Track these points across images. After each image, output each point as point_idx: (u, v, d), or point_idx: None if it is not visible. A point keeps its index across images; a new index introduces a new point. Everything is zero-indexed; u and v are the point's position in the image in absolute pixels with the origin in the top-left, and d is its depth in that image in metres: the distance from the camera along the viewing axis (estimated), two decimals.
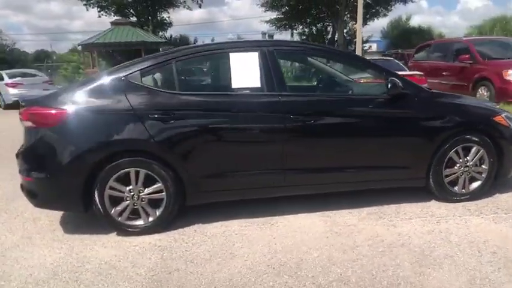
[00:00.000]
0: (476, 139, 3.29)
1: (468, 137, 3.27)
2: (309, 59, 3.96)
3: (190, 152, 2.95)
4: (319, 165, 3.17)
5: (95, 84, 2.98)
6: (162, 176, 2.94)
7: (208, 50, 3.38)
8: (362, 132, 3.21)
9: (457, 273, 2.33)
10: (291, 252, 2.65)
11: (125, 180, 2.93)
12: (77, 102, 2.90)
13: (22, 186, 3.08)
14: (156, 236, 2.96)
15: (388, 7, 27.33)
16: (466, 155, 3.32)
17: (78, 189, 2.88)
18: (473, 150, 3.31)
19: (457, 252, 2.56)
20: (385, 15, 27.96)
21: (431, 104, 3.28)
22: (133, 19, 23.51)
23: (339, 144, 3.20)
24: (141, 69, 3.01)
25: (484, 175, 3.38)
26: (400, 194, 3.45)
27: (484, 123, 3.34)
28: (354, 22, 28.48)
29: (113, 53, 21.23)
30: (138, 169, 2.92)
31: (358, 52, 20.75)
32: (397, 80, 3.12)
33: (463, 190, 3.39)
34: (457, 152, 3.29)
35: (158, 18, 24.76)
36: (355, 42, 21.35)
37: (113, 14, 24.42)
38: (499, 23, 25.35)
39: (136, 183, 2.94)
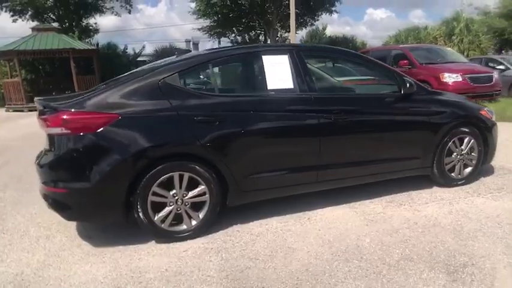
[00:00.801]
0: (469, 130, 3.83)
1: (463, 129, 3.80)
2: (331, 61, 4.25)
3: (233, 153, 3.01)
4: (348, 159, 3.42)
5: (133, 87, 2.88)
6: (205, 178, 2.94)
7: (242, 52, 3.48)
8: (384, 127, 3.55)
9: (493, 241, 2.73)
10: (344, 240, 2.85)
11: (167, 185, 2.89)
12: (117, 106, 2.80)
13: (48, 199, 2.85)
14: (201, 240, 2.95)
15: (315, 17, 29.08)
16: (460, 145, 3.84)
17: (121, 197, 2.77)
18: (466, 140, 3.84)
19: (482, 226, 2.98)
20: (312, 24, 29.68)
21: (434, 101, 3.75)
22: (55, 24, 21.80)
23: (365, 139, 3.49)
24: (179, 72, 2.99)
25: (474, 161, 3.94)
26: (403, 184, 3.84)
27: (475, 116, 3.90)
28: (284, 31, 29.83)
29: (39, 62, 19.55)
30: (182, 173, 2.89)
31: None
32: (412, 80, 3.53)
33: (459, 175, 3.91)
34: (454, 143, 3.80)
35: (83, 24, 23.31)
36: None
37: (30, 19, 22.43)
38: (412, 33, 28.38)
39: (180, 187, 2.91)
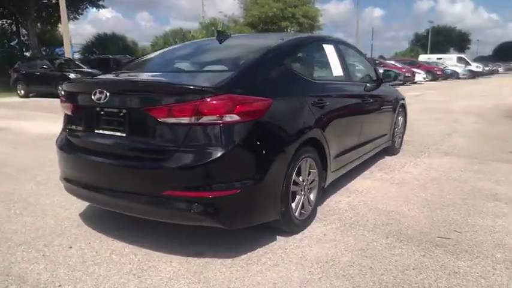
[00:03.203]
0: (402, 110, 5.21)
1: (399, 109, 5.12)
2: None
3: (332, 135, 3.12)
4: (368, 138, 4.08)
5: (267, 70, 2.63)
6: (317, 162, 2.97)
7: (320, 39, 3.65)
8: (378, 110, 4.38)
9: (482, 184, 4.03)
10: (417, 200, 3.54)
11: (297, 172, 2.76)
12: (268, 90, 2.51)
13: (199, 207, 2.21)
14: (318, 226, 2.95)
15: (79, 10, 26.69)
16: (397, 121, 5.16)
17: (280, 190, 2.50)
18: (399, 117, 5.19)
19: (469, 178, 4.27)
20: (75, 18, 27.04)
21: (388, 87, 4.90)
22: None
23: (374, 121, 4.22)
24: (292, 55, 2.94)
25: (401, 134, 5.38)
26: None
27: (402, 98, 5.28)
28: (42, 22, 25.95)
29: None
30: (307, 158, 2.82)
31: (68, 54, 19.53)
32: (391, 72, 4.53)
33: (399, 145, 5.28)
34: (398, 119, 5.09)
35: None
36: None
37: None
38: (178, 35, 30.75)
39: (306, 173, 2.84)
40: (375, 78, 4.45)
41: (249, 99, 2.31)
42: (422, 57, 38.75)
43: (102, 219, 3.06)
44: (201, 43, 4.07)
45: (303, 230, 2.83)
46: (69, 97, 2.74)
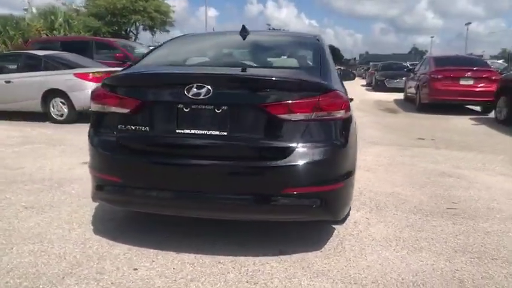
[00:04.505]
0: None
1: None
2: None
3: None
4: None
5: None
6: None
7: None
8: None
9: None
10: None
11: None
12: (338, 85, 2.64)
13: (326, 200, 2.32)
14: (353, 212, 3.25)
15: None
16: None
17: None
18: None
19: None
20: None
21: None
22: None
23: None
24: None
25: None
26: None
27: None
28: None
29: None
30: None
31: None
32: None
33: None
34: None
35: None
36: None
37: None
38: (10, 22, 26.35)
39: None
40: None
41: (345, 94, 2.46)
42: None
43: (141, 234, 2.71)
44: (231, 37, 3.53)
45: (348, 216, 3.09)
46: (131, 92, 2.36)
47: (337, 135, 2.32)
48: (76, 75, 7.57)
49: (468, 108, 10.90)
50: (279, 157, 2.20)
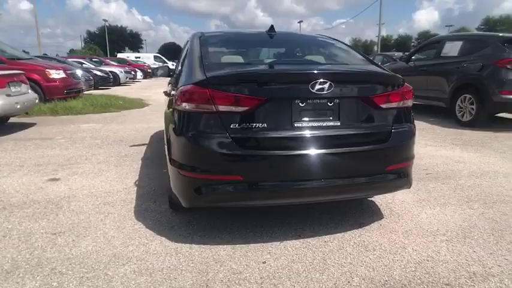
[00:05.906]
0: None
1: None
2: None
3: None
4: None
5: None
6: None
7: None
8: None
9: None
10: None
11: None
12: None
13: (407, 174, 2.84)
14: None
15: None
16: None
17: None
18: None
19: None
20: None
21: None
22: None
23: None
24: None
25: None
26: None
27: None
28: None
29: None
30: None
31: None
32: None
33: None
34: None
35: None
36: None
37: None
38: None
39: None
40: None
41: None
42: (122, 56, 40.06)
43: (233, 233, 2.78)
44: (268, 37, 3.60)
45: None
46: (249, 90, 2.44)
47: (411, 119, 2.88)
48: None
49: None
50: (384, 140, 2.64)
